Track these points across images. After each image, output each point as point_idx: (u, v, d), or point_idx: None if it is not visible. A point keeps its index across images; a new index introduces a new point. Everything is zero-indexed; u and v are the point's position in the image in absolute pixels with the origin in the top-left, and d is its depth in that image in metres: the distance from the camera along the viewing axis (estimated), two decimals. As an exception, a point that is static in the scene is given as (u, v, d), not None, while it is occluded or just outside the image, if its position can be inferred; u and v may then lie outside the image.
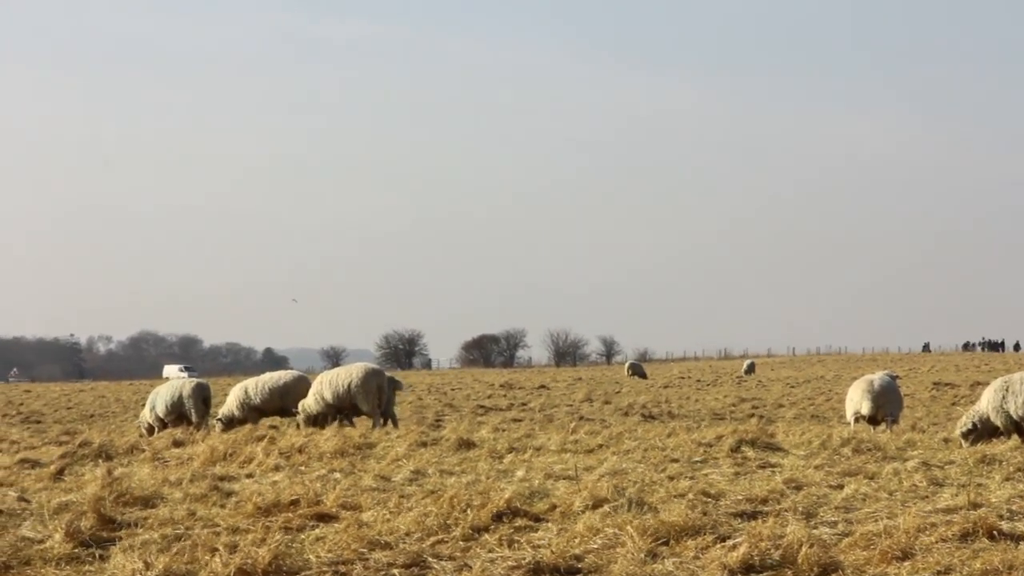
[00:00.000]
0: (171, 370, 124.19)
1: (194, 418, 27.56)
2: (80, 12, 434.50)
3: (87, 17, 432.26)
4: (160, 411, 28.03)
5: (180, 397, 27.89)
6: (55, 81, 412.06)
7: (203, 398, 28.01)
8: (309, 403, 27.38)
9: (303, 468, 16.96)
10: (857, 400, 25.93)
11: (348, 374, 27.22)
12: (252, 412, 28.18)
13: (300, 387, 28.29)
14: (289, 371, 29.75)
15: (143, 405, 29.31)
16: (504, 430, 23.42)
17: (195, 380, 28.72)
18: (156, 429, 27.73)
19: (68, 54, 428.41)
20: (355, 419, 27.48)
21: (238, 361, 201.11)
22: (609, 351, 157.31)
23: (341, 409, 27.21)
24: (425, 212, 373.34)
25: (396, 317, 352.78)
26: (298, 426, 26.82)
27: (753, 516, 11.83)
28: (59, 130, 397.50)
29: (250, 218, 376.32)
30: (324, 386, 27.18)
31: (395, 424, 27.13)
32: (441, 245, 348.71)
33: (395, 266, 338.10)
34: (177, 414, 27.83)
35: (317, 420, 27.41)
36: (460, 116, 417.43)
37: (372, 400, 26.81)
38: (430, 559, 10.10)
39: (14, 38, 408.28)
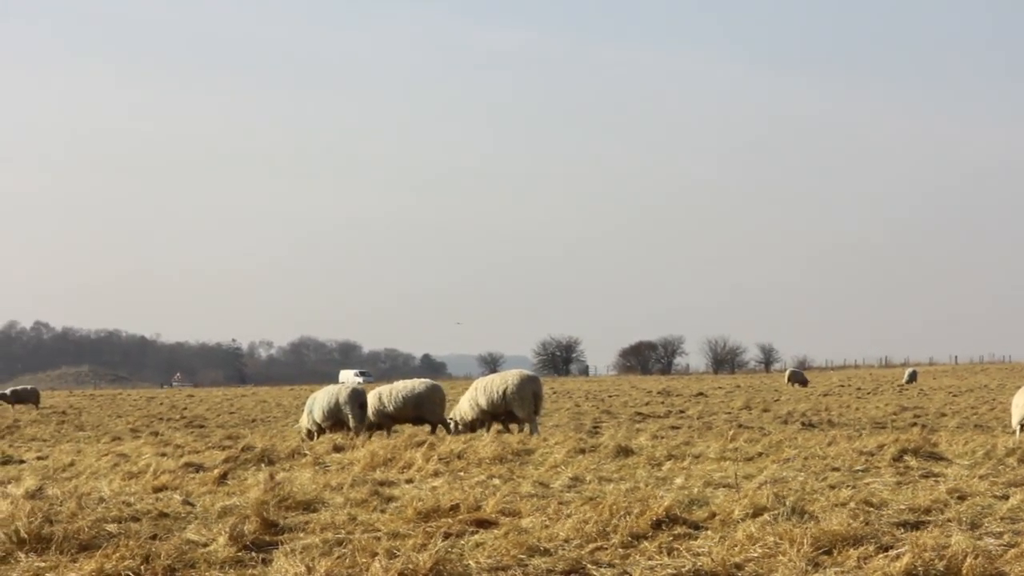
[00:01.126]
0: (347, 375, 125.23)
1: (351, 423, 27.77)
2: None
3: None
4: (317, 416, 28.29)
5: (337, 403, 28.10)
6: (224, 89, 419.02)
7: (359, 403, 28.17)
8: (464, 409, 27.50)
9: (462, 474, 17.02)
10: (1022, 407, 25.38)
11: (504, 380, 27.28)
12: (385, 419, 28.39)
13: (433, 396, 28.41)
14: (423, 380, 29.82)
15: (303, 410, 29.61)
16: (662, 437, 23.31)
17: (351, 386, 28.91)
18: (315, 434, 28.01)
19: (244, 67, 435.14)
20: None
21: (396, 367, 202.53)
22: (768, 358, 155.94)
23: (496, 415, 27.31)
24: (586, 222, 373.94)
25: (554, 324, 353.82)
26: (449, 432, 26.98)
27: (916, 526, 11.64)
28: (222, 142, 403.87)
29: (412, 228, 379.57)
30: (479, 392, 27.29)
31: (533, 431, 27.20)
32: (600, 253, 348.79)
33: (554, 273, 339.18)
34: (335, 419, 28.06)
35: (472, 426, 27.53)
36: (609, 125, 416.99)
37: (528, 406, 26.85)
38: (589, 566, 10.09)
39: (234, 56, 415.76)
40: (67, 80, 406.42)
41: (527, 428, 26.70)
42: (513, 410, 26.88)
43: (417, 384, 29.12)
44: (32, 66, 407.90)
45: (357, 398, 28.14)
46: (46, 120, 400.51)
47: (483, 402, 27.10)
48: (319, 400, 28.54)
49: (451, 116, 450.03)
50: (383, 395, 28.50)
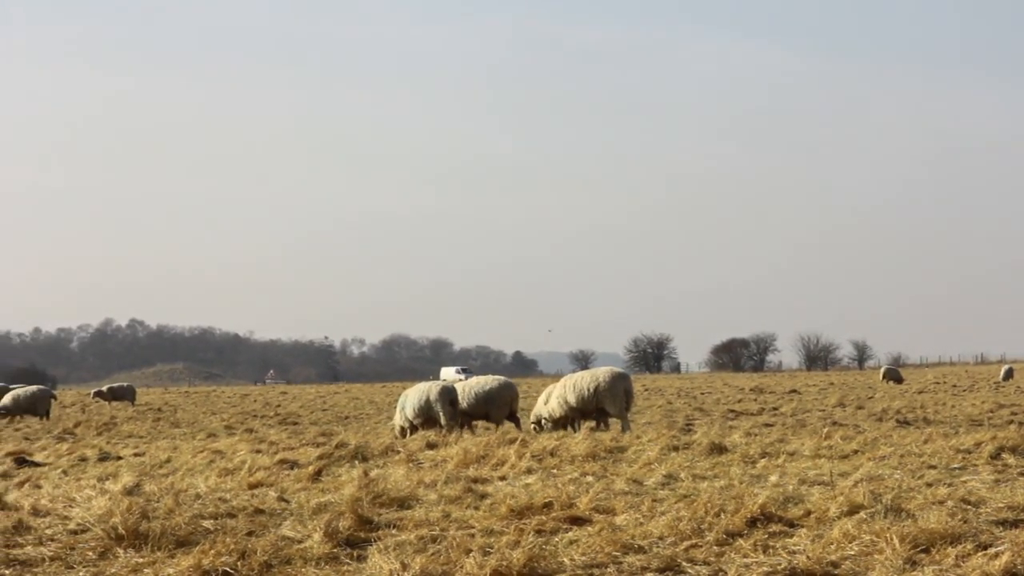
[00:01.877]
0: (448, 372, 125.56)
1: (442, 420, 27.78)
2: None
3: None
4: (409, 414, 28.33)
5: (427, 400, 28.14)
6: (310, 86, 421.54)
7: (450, 400, 28.17)
8: (552, 406, 27.46)
9: (555, 471, 17.01)
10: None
11: (594, 377, 27.21)
12: (459, 416, 28.41)
13: (505, 394, 28.40)
14: (496, 377, 29.77)
15: (396, 408, 29.72)
16: (756, 435, 23.16)
17: (441, 383, 28.92)
18: (407, 431, 28.09)
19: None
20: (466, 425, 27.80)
21: (487, 364, 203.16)
22: (861, 355, 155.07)
23: (586, 413, 27.25)
24: (685, 215, 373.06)
25: (645, 321, 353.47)
26: (532, 430, 27.00)
27: (1016, 524, 11.48)
28: (318, 138, 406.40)
29: (503, 223, 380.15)
30: (568, 390, 27.23)
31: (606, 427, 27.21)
32: (693, 251, 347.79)
33: (645, 269, 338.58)
34: (426, 416, 28.10)
35: (561, 423, 27.48)
36: (711, 120, 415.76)
37: (619, 403, 26.78)
38: (684, 563, 10.05)
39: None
40: (137, 80, 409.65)
41: (619, 425, 26.64)
42: (604, 407, 26.81)
43: (490, 381, 29.14)
44: (94, 64, 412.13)
45: (448, 395, 28.14)
46: (123, 117, 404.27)
47: (573, 399, 27.05)
48: (411, 398, 28.59)
49: (561, 111, 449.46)
50: (457, 393, 28.55)
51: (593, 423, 27.07)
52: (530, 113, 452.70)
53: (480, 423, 29.60)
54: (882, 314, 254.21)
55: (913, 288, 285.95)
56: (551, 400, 27.68)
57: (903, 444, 19.68)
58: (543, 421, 27.72)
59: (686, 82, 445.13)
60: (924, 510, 12.05)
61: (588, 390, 26.87)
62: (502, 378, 29.61)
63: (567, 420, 27.57)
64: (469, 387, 28.72)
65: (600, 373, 27.50)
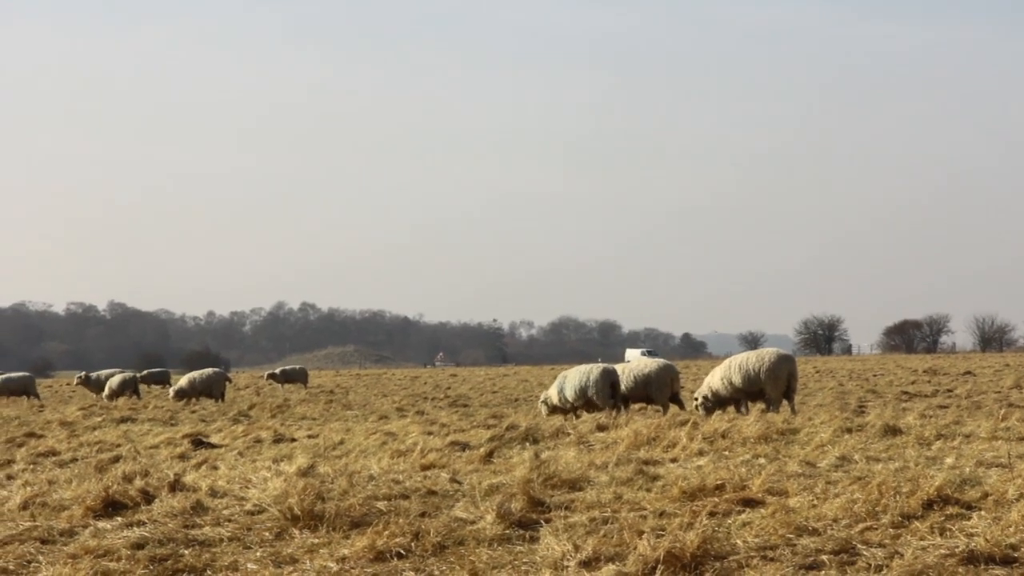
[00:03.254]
0: (633, 353, 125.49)
1: (598, 403, 27.70)
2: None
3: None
4: (569, 395, 28.29)
5: (587, 382, 28.09)
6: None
7: (610, 383, 28.07)
8: (716, 386, 27.31)
9: (727, 453, 16.92)
10: None
11: (760, 359, 27.02)
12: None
13: (665, 376, 28.29)
14: (656, 360, 29.63)
15: (552, 385, 29.75)
16: (930, 416, 22.81)
17: (603, 365, 28.79)
18: (562, 411, 28.07)
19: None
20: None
21: (656, 347, 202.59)
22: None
23: (749, 394, 27.07)
24: (861, 198, 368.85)
25: (816, 302, 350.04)
26: (695, 411, 26.91)
27: None
28: (480, 126, 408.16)
29: (670, 208, 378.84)
30: (733, 370, 27.07)
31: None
32: (863, 231, 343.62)
33: (815, 252, 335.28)
34: (585, 399, 28.07)
35: (722, 404, 27.32)
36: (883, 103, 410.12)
37: (781, 386, 26.61)
38: (859, 546, 9.94)
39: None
40: (356, 68, 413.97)
41: (784, 408, 26.43)
42: (766, 389, 26.64)
43: (650, 364, 29.06)
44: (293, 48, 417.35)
45: (608, 377, 28.05)
46: (312, 102, 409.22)
47: (738, 380, 26.89)
48: (571, 379, 28.57)
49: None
50: (732, 367, 28.28)
51: (764, 405, 26.85)
52: (705, 94, 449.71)
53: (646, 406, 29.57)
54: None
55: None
56: (715, 381, 27.53)
57: (1084, 426, 19.25)
58: (706, 400, 27.57)
59: (877, 65, 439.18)
60: (1107, 492, 11.78)
61: (753, 371, 26.71)
62: (662, 361, 29.56)
63: (730, 401, 27.43)
64: (629, 370, 28.69)
65: (765, 354, 27.32)
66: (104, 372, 58.35)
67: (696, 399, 28.08)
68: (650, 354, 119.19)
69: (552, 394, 29.04)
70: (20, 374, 57.88)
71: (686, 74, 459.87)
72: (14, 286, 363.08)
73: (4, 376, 56.54)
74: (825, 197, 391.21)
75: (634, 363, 28.41)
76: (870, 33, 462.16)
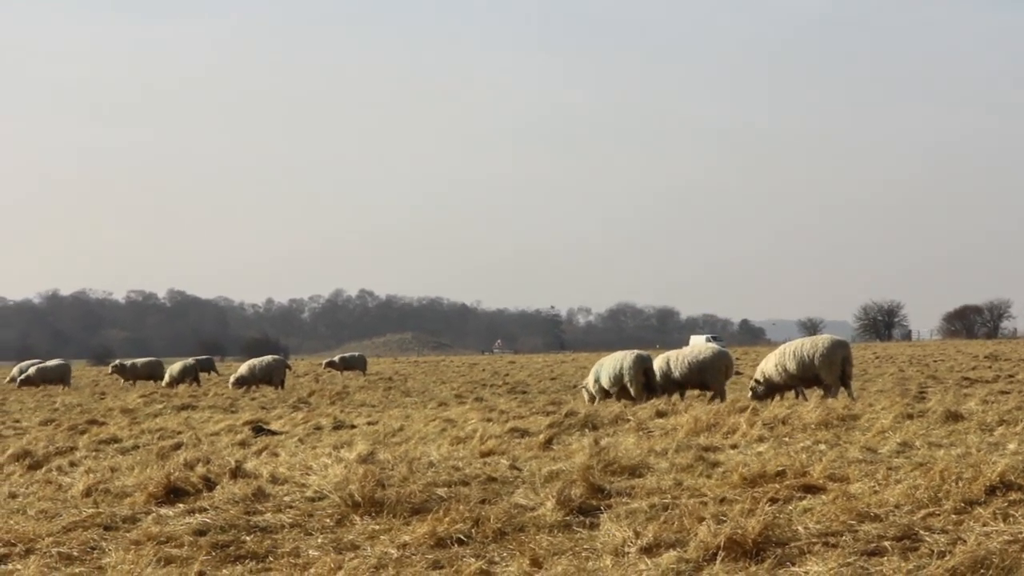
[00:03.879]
0: (698, 340, 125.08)
1: (632, 391, 27.60)
2: None
3: None
4: (605, 382, 28.26)
5: (621, 369, 28.03)
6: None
7: (643, 370, 27.97)
8: (770, 372, 27.24)
9: (787, 439, 16.85)
10: None
11: (814, 345, 26.97)
12: (671, 384, 28.27)
13: (719, 363, 28.24)
14: (710, 345, 29.56)
15: (590, 373, 29.74)
16: (992, 402, 22.64)
17: (636, 352, 28.73)
18: (599, 399, 28.04)
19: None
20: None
21: (714, 333, 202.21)
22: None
23: (804, 380, 27.00)
24: (911, 188, 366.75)
25: (875, 288, 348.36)
26: (751, 392, 26.88)
27: None
28: (538, 115, 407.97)
29: (729, 192, 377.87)
30: (788, 357, 27.00)
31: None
32: (925, 219, 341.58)
33: (875, 238, 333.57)
34: (620, 385, 27.98)
35: (774, 391, 27.24)
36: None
37: (836, 371, 26.52)
38: (921, 532, 9.88)
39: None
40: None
41: (843, 394, 26.31)
42: (820, 375, 26.55)
43: (704, 349, 29.04)
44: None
45: (642, 364, 27.97)
46: (361, 89, 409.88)
47: (792, 366, 26.81)
48: (606, 366, 28.56)
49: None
50: (671, 359, 28.51)
51: (822, 392, 26.73)
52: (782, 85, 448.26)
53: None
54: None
55: None
56: (768, 367, 27.46)
57: None
58: (757, 385, 27.50)
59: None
60: None
61: (807, 357, 26.63)
62: (717, 347, 29.51)
63: (784, 387, 27.36)
64: (683, 356, 28.67)
65: (819, 340, 27.30)
66: (139, 360, 60.28)
67: (753, 383, 28.07)
68: (714, 340, 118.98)
69: (590, 382, 29.08)
70: (56, 362, 59.71)
71: (734, 60, 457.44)
72: (75, 274, 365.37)
73: (40, 365, 57.93)
74: (886, 184, 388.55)
75: (797, 343, 28.09)
76: None
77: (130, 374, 57.30)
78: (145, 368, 57.66)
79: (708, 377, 28.06)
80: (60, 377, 55.62)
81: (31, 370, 56.38)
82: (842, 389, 26.68)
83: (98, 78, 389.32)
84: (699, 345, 29.40)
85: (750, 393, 27.49)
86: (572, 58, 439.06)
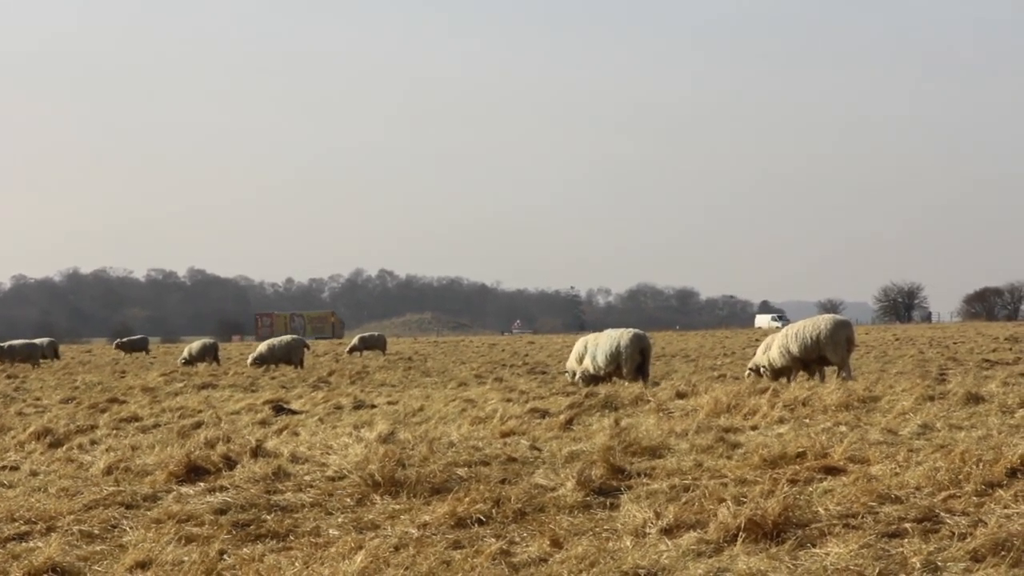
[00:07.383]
0: (763, 320, 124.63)
1: (624, 370, 27.38)
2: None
3: None
4: (601, 361, 27.95)
5: (619, 347, 27.79)
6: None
7: (640, 349, 27.77)
8: (774, 356, 27.09)
9: (807, 421, 16.83)
10: None
11: (816, 326, 26.75)
12: (795, 362, 27.64)
13: (840, 334, 26.70)
14: (826, 316, 28.76)
15: (571, 354, 29.61)
16: (1013, 384, 22.55)
17: (633, 331, 28.38)
18: (589, 380, 27.85)
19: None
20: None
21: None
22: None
23: (808, 362, 26.84)
24: (942, 168, 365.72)
25: (895, 270, 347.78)
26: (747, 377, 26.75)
27: None
28: (563, 97, 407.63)
29: (750, 174, 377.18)
30: (791, 339, 26.82)
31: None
32: (945, 198, 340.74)
33: (894, 220, 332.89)
34: (616, 364, 27.77)
35: (781, 373, 27.08)
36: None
37: (841, 351, 26.33)
38: (942, 514, 9.87)
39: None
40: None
41: (864, 375, 26.19)
42: (826, 355, 26.42)
43: (822, 321, 27.34)
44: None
45: (639, 343, 27.74)
46: (392, 74, 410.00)
47: (795, 348, 26.65)
48: (601, 344, 28.16)
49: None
50: (788, 335, 27.35)
51: (843, 373, 26.60)
52: (774, 58, 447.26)
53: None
54: None
55: None
56: (772, 350, 27.29)
57: None
58: (762, 370, 27.39)
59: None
60: None
61: (811, 339, 26.47)
62: (836, 316, 28.13)
63: (788, 370, 27.18)
64: (798, 330, 27.37)
65: (822, 321, 27.05)
66: (137, 337, 62.41)
67: (750, 368, 27.91)
68: (781, 320, 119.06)
69: (573, 364, 28.85)
70: (44, 340, 62.36)
71: (748, 40, 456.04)
72: (96, 252, 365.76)
73: (26, 341, 59.31)
74: (906, 167, 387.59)
75: (799, 325, 26.71)
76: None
77: (7, 356, 56.96)
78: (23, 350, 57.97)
79: (828, 351, 26.91)
80: (46, 353, 59.12)
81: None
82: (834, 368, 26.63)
83: (127, 57, 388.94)
84: (817, 317, 28.14)
85: (747, 375, 27.41)
86: (564, 38, 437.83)
